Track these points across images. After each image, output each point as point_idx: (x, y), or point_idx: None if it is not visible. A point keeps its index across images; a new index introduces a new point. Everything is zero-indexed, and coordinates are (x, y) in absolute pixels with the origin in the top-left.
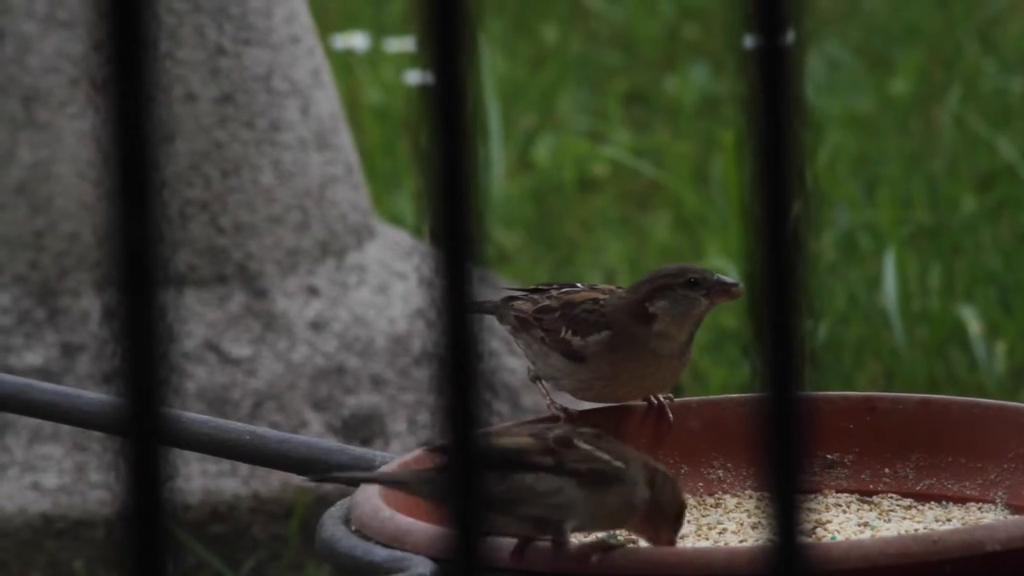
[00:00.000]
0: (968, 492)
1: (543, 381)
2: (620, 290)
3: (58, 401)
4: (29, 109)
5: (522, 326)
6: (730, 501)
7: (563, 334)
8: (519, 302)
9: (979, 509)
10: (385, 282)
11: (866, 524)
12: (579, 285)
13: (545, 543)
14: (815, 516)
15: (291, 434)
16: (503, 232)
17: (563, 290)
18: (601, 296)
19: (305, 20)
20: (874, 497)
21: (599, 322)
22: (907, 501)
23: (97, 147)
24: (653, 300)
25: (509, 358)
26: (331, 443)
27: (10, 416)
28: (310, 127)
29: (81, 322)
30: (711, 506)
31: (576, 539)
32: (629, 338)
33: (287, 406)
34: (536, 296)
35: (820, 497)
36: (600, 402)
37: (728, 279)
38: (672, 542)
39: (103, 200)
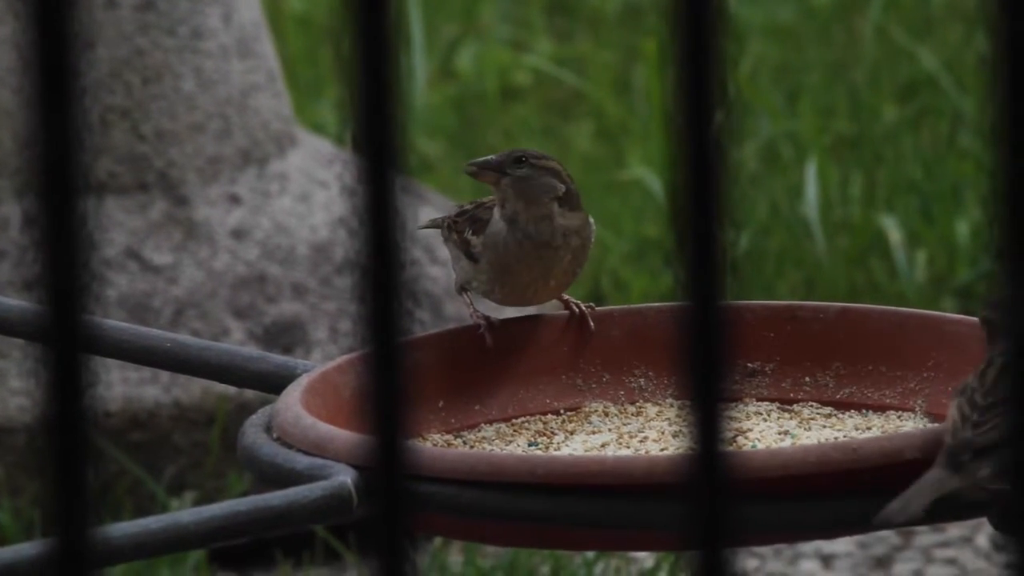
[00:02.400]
0: (888, 400)
1: (467, 292)
2: None
3: None
4: None
5: (448, 232)
6: (651, 409)
7: (465, 234)
8: (453, 210)
9: (899, 417)
10: (307, 190)
11: (786, 432)
12: None
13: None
14: (736, 424)
15: (212, 342)
16: (425, 141)
17: (489, 199)
18: None
19: None
20: (794, 406)
21: (485, 221)
22: (827, 409)
23: (17, 53)
24: (499, 184)
25: (431, 267)
26: (252, 351)
27: None
28: (232, 35)
29: (1, 229)
30: (632, 414)
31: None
32: (497, 234)
33: (208, 314)
34: (468, 206)
35: (741, 405)
36: (514, 305)
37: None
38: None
39: (23, 107)
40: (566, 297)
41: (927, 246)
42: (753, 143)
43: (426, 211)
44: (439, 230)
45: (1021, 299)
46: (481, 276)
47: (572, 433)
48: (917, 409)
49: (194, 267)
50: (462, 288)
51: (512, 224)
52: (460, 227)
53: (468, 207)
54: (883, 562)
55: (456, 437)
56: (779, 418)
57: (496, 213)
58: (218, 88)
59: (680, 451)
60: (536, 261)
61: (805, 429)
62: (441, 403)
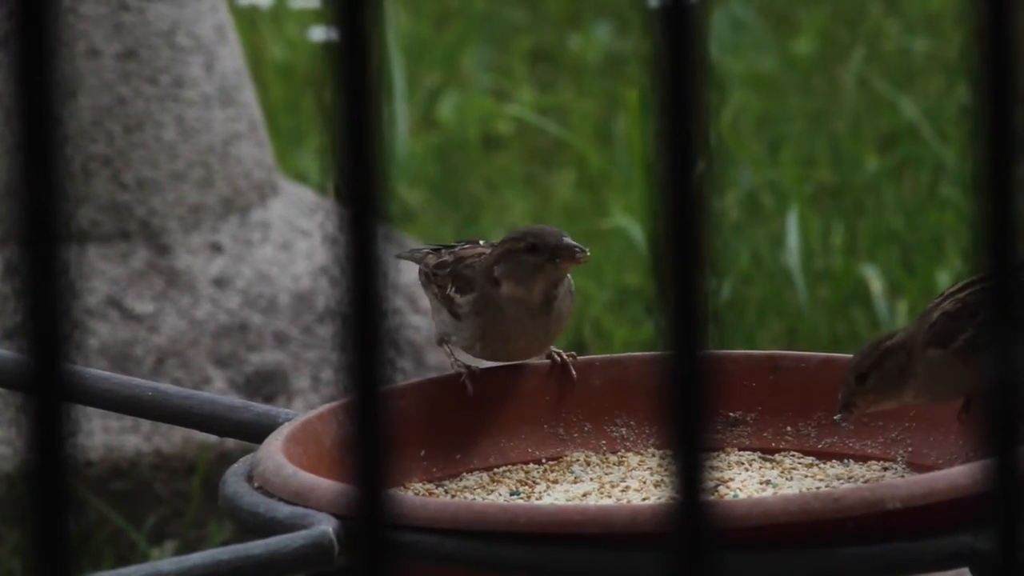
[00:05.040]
0: (869, 450)
1: (447, 343)
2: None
3: None
4: None
5: (427, 281)
6: (633, 459)
7: (448, 290)
8: (430, 256)
9: (881, 467)
10: (289, 239)
11: (768, 482)
12: (481, 242)
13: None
14: (717, 474)
15: (194, 391)
16: (407, 190)
17: (464, 246)
18: (487, 253)
19: None
20: (776, 455)
21: (470, 281)
22: (809, 459)
23: None
24: (499, 264)
25: (413, 316)
26: (234, 400)
27: None
28: (214, 83)
29: None
30: (614, 464)
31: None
32: (487, 301)
33: (190, 363)
34: (443, 252)
35: (722, 455)
36: (495, 361)
37: (572, 244)
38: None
39: (5, 156)
40: None
41: (908, 295)
42: (735, 192)
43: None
44: (418, 270)
45: (1002, 347)
46: (464, 333)
47: (554, 482)
48: (899, 459)
49: (176, 316)
50: (442, 340)
51: (504, 300)
52: (440, 281)
53: (447, 257)
54: None
55: (438, 486)
56: (761, 468)
57: (479, 279)
58: (200, 137)
59: (662, 501)
60: (533, 328)
61: (787, 479)
62: (423, 452)
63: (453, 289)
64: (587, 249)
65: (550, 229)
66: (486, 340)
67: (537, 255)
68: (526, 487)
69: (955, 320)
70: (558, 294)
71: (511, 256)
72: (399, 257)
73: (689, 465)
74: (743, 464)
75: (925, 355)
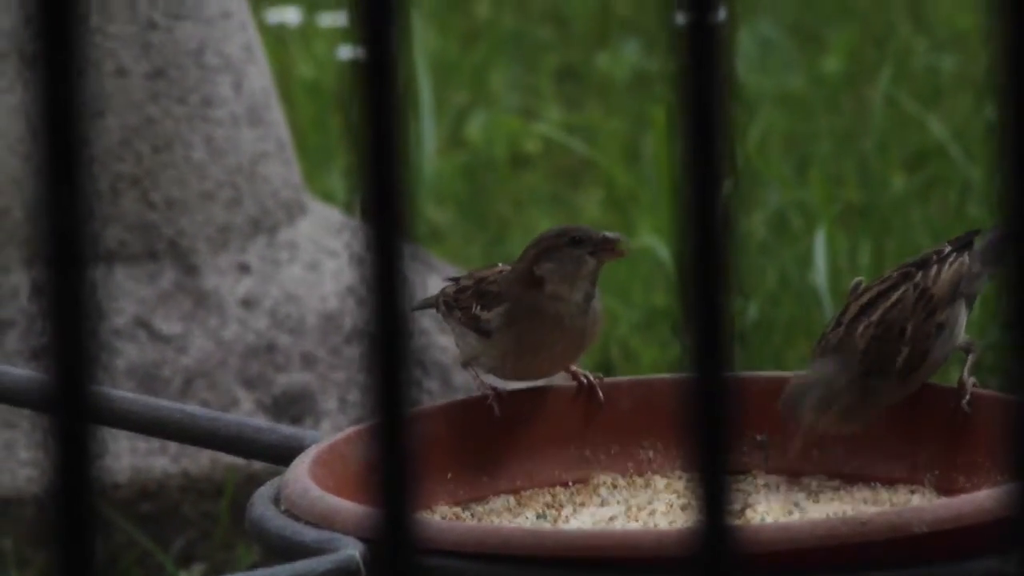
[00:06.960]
0: (897, 474)
1: (472, 367)
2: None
3: None
4: None
5: (448, 310)
6: (660, 482)
7: (473, 310)
8: (449, 286)
9: (908, 491)
10: (316, 259)
11: (795, 505)
12: (500, 265)
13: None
14: (744, 497)
15: (221, 412)
16: (434, 209)
17: (481, 271)
18: (509, 269)
19: None
20: (803, 478)
21: (498, 295)
22: (835, 482)
23: (27, 122)
24: (539, 264)
25: (440, 336)
26: (261, 422)
27: None
28: (242, 103)
29: (10, 298)
30: (641, 487)
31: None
32: (524, 307)
33: (217, 384)
34: (462, 279)
35: (749, 478)
36: (523, 379)
37: (612, 235)
38: None
39: (32, 175)
40: (574, 368)
41: None
42: (762, 212)
43: (434, 280)
44: (436, 306)
45: None
46: (493, 351)
47: (581, 505)
48: (926, 483)
49: (203, 337)
50: (467, 363)
51: (547, 301)
52: (464, 303)
53: (467, 283)
54: None
55: (464, 509)
56: (787, 491)
57: (512, 288)
58: (228, 156)
59: (689, 524)
60: (571, 330)
61: (813, 502)
62: (449, 475)
63: (479, 307)
64: (629, 241)
65: (583, 226)
66: (519, 352)
67: (581, 248)
68: (553, 510)
69: (886, 343)
70: (595, 293)
71: (553, 253)
72: (415, 309)
73: (715, 488)
74: (769, 487)
75: (867, 385)
